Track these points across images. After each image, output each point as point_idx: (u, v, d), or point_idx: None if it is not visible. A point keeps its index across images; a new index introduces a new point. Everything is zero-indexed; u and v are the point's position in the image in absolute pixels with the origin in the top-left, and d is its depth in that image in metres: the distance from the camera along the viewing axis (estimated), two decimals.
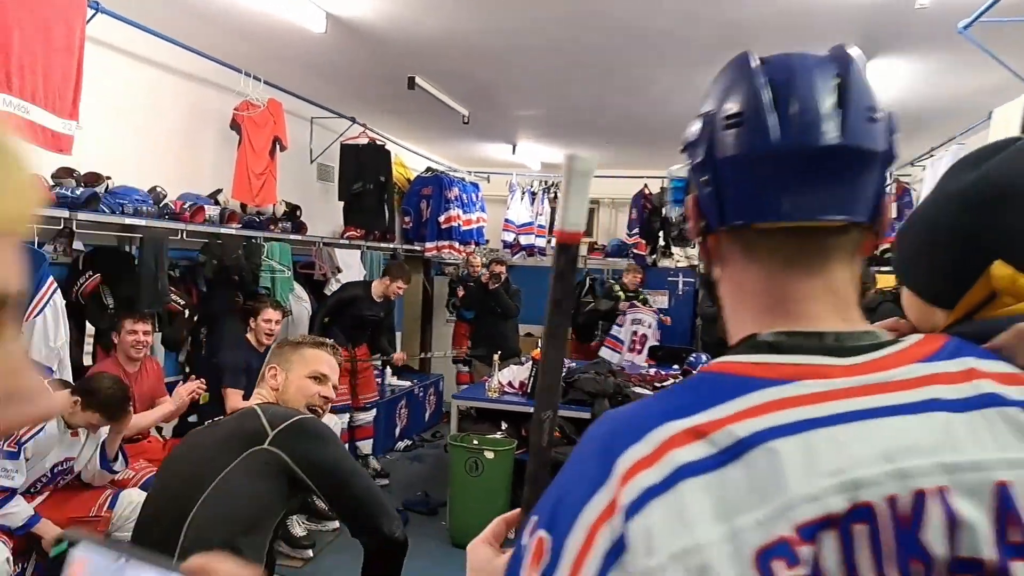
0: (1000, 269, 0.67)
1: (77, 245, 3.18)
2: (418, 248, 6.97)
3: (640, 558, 0.46)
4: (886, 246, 6.68)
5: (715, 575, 0.45)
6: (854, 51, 0.61)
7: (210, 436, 1.55)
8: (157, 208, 3.46)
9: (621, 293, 6.77)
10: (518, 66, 4.27)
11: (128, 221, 3.17)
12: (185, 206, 3.62)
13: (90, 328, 3.15)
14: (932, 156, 5.26)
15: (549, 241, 8.07)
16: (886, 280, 6.31)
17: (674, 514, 0.47)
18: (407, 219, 7.00)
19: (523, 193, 8.03)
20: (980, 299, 0.70)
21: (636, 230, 7.66)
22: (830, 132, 0.56)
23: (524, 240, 7.93)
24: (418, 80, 4.45)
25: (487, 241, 8.29)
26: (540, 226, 8.03)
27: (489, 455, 3.81)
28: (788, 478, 0.47)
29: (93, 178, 3.15)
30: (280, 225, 4.50)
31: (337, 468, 1.50)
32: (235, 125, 4.10)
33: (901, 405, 0.51)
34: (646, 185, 7.73)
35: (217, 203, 3.99)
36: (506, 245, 7.96)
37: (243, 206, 4.28)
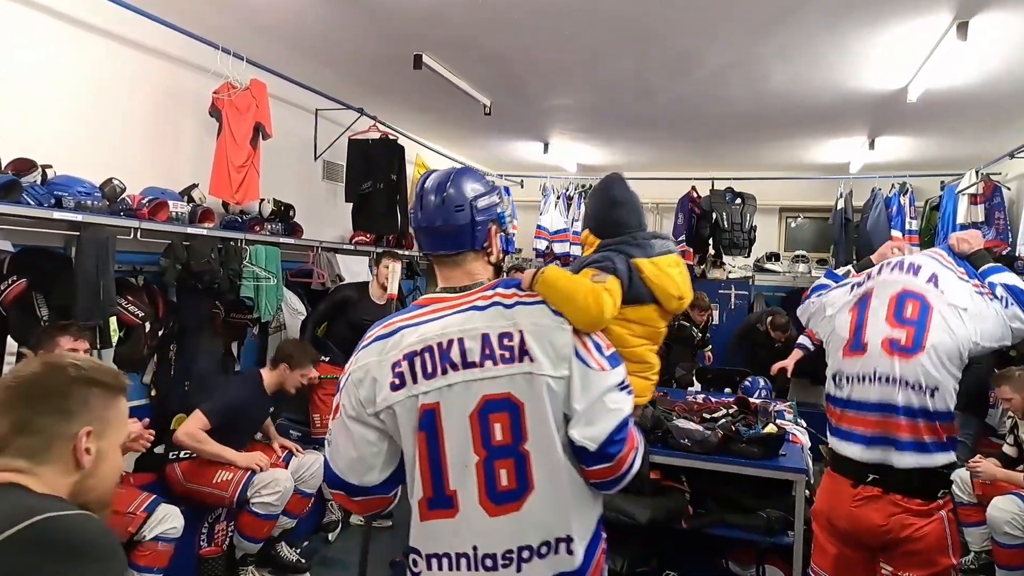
0: (584, 232, 1.96)
1: (3, 245, 2.67)
2: None
3: (348, 369, 1.39)
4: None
5: (372, 373, 1.35)
6: (456, 174, 1.45)
7: None
8: (109, 203, 2.94)
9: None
10: (543, 40, 3.62)
11: (57, 215, 2.64)
12: (144, 201, 3.10)
13: (12, 344, 2.62)
14: None
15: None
16: None
17: (364, 353, 1.38)
18: None
19: (557, 198, 7.41)
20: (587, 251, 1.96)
21: (683, 237, 6.92)
22: (437, 219, 1.39)
23: (558, 248, 7.31)
24: (426, 58, 3.86)
25: (519, 250, 7.68)
26: (575, 233, 7.36)
27: None
28: (404, 340, 1.35)
29: (23, 165, 2.65)
30: (268, 226, 3.94)
31: None
32: (215, 111, 3.57)
33: (460, 309, 1.36)
34: (694, 188, 7.02)
35: (191, 199, 3.46)
36: (539, 253, 7.36)
37: (225, 204, 3.76)
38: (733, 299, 7.18)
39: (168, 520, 2.63)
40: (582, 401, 1.30)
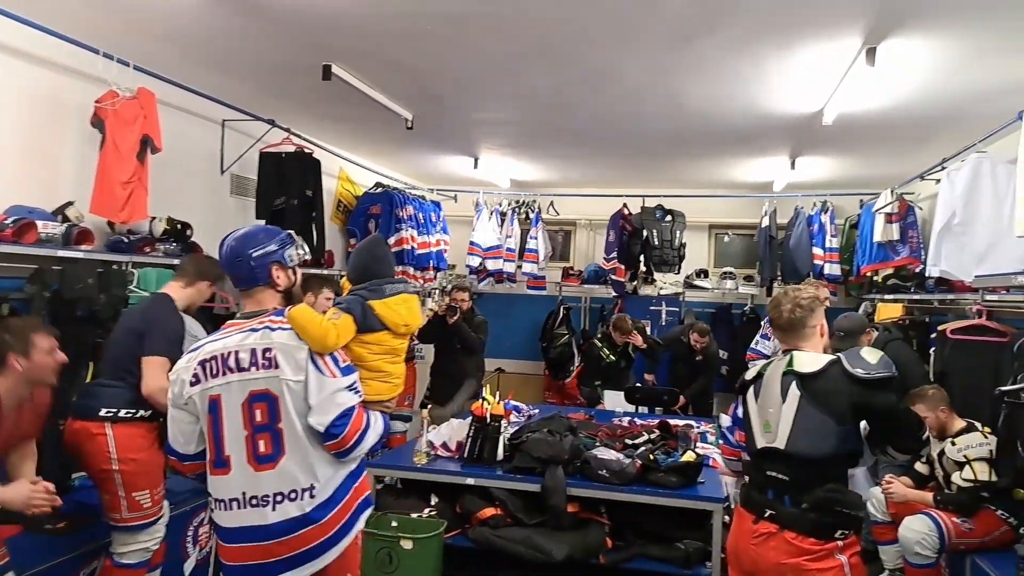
0: (344, 280, 2.35)
1: None
2: None
3: (171, 373, 2.06)
4: (889, 271, 5.98)
5: (181, 376, 1.99)
6: (243, 234, 2.07)
7: None
8: None
9: None
10: (454, 52, 3.48)
11: None
12: (7, 222, 2.79)
13: None
14: (944, 168, 4.50)
15: (519, 266, 7.32)
16: (889, 311, 5.52)
17: (180, 362, 2.03)
18: (352, 241, 6.21)
19: (491, 213, 7.26)
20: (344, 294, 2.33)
21: (614, 254, 6.89)
22: (229, 266, 2.06)
23: (491, 265, 7.17)
24: (336, 69, 3.66)
25: (452, 266, 7.50)
26: (509, 250, 7.25)
27: (407, 545, 2.94)
28: (202, 351, 1.98)
29: None
30: (161, 247, 3.64)
31: None
32: (98, 121, 3.27)
33: (242, 331, 1.98)
34: (625, 205, 7.01)
35: (66, 219, 3.15)
36: (472, 270, 7.19)
37: (111, 224, 3.45)
38: (664, 315, 7.20)
39: None
40: (316, 397, 1.91)
